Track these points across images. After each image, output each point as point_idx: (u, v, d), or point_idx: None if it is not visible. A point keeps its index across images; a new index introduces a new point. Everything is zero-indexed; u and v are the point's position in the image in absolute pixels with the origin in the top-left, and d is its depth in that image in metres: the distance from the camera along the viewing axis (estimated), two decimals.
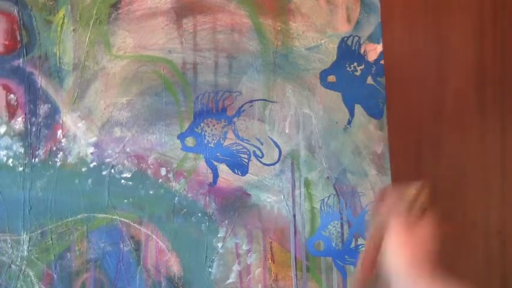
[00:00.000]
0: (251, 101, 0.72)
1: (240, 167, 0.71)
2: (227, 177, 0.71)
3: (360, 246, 0.72)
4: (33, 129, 0.68)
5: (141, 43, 0.70)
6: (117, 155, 0.69)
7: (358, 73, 0.74)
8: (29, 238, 0.67)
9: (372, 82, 0.74)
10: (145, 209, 0.69)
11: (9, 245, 0.67)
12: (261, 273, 0.71)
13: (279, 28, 0.73)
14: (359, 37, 0.74)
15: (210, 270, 0.70)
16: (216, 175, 0.71)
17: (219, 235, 0.70)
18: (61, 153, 0.68)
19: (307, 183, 0.72)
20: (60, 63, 0.69)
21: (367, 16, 0.74)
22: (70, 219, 0.68)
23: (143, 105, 0.70)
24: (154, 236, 0.69)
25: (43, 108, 0.68)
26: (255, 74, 0.72)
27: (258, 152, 0.72)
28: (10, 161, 0.67)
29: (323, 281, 0.71)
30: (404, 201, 0.57)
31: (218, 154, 0.71)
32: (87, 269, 0.68)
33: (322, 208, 0.72)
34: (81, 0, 0.69)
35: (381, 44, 0.74)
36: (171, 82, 0.71)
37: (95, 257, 0.68)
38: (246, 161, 0.72)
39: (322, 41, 0.73)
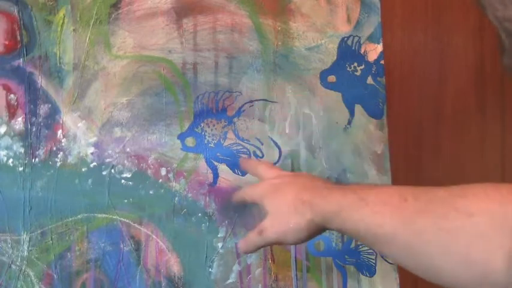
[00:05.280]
0: (251, 101, 0.72)
1: (240, 167, 0.71)
2: (227, 177, 0.71)
3: (360, 246, 0.72)
4: (33, 129, 0.68)
5: (141, 43, 0.70)
6: (117, 155, 0.69)
7: (358, 73, 0.74)
8: (29, 238, 0.67)
9: (372, 82, 0.74)
10: (145, 209, 0.69)
11: (9, 245, 0.67)
12: (261, 273, 0.71)
13: (279, 28, 0.73)
14: (359, 37, 0.74)
15: (210, 270, 0.70)
16: (216, 175, 0.71)
17: (219, 235, 0.70)
18: (61, 153, 0.68)
19: None
20: (60, 63, 0.69)
21: (367, 16, 0.74)
22: (70, 219, 0.68)
23: (143, 105, 0.70)
24: (154, 236, 0.69)
25: (43, 108, 0.68)
26: (255, 74, 0.72)
27: (258, 152, 0.72)
28: (10, 161, 0.67)
29: (323, 281, 0.71)
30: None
31: (218, 154, 0.71)
32: (87, 269, 0.68)
33: None
34: (81, 0, 0.69)
35: (381, 44, 0.74)
36: (171, 82, 0.71)
37: (95, 257, 0.68)
38: None
39: (322, 41, 0.73)
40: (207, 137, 0.71)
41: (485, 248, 0.36)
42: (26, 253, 0.67)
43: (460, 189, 0.40)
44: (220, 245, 0.70)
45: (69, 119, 0.69)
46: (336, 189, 0.49)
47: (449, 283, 0.39)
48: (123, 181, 0.69)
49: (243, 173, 0.71)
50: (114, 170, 0.69)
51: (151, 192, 0.69)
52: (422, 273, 0.41)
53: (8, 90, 0.68)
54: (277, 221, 0.53)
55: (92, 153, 0.69)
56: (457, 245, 0.37)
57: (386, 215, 0.42)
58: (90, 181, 0.69)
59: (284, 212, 0.52)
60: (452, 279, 0.39)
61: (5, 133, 0.68)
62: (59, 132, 0.68)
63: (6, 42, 0.68)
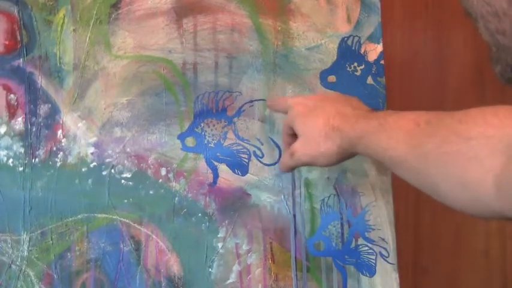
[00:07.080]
0: (251, 101, 0.72)
1: (240, 167, 0.71)
2: (227, 177, 0.71)
3: (360, 246, 0.72)
4: (33, 129, 0.68)
5: (141, 43, 0.70)
6: (117, 155, 0.69)
7: (358, 73, 0.74)
8: (29, 238, 0.67)
9: (372, 82, 0.74)
10: (145, 209, 0.69)
11: (9, 245, 0.67)
12: (261, 273, 0.71)
13: (279, 28, 0.73)
14: (359, 37, 0.74)
15: (210, 270, 0.70)
16: (216, 175, 0.71)
17: (219, 235, 0.70)
18: (61, 153, 0.68)
19: (307, 183, 0.72)
20: (60, 63, 0.69)
21: (367, 16, 0.74)
22: (70, 219, 0.68)
23: (143, 105, 0.70)
24: (154, 236, 0.69)
25: (43, 108, 0.68)
26: (255, 74, 0.72)
27: (258, 152, 0.72)
28: (10, 161, 0.67)
29: (323, 281, 0.71)
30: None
31: (218, 154, 0.71)
32: (87, 269, 0.68)
33: (322, 208, 0.72)
34: (81, 0, 0.69)
35: (381, 44, 0.74)
36: (171, 82, 0.71)
37: (95, 257, 0.68)
38: (246, 161, 0.72)
39: (322, 41, 0.73)
40: (207, 137, 0.71)
41: (478, 170, 0.37)
42: (26, 253, 0.67)
43: (462, 114, 0.41)
44: (220, 245, 0.70)
45: (69, 119, 0.69)
46: (362, 117, 0.53)
47: (450, 204, 0.42)
48: (123, 181, 0.69)
49: (243, 173, 0.71)
50: (114, 170, 0.69)
51: (151, 192, 0.69)
52: (429, 193, 0.44)
53: (8, 90, 0.68)
54: (308, 145, 0.55)
55: (92, 153, 0.69)
56: (455, 168, 0.39)
57: (399, 139, 0.45)
58: (90, 181, 0.69)
59: (315, 136, 0.54)
60: (451, 200, 0.41)
61: (5, 133, 0.68)
62: (59, 132, 0.68)
63: (6, 42, 0.68)
